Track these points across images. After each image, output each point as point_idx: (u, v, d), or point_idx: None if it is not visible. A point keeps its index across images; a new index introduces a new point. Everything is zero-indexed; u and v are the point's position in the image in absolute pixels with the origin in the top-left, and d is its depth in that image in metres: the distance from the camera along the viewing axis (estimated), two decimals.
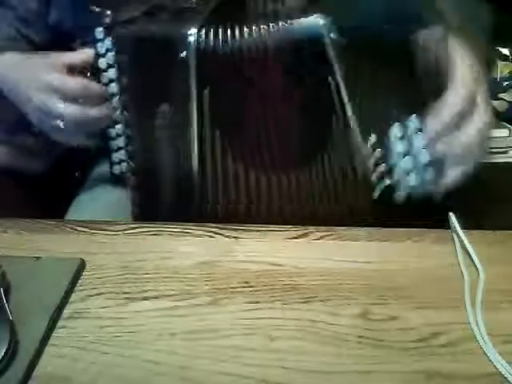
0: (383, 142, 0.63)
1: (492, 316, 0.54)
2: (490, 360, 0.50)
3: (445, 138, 0.61)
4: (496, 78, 1.35)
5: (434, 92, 0.62)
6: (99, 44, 0.71)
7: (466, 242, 0.61)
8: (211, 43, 0.63)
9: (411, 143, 0.62)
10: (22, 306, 0.55)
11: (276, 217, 0.69)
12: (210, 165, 0.67)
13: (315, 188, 0.68)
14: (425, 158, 0.62)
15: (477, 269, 0.59)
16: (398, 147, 0.63)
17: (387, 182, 0.64)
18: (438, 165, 0.62)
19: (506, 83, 1.35)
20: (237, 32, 0.62)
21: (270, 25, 0.62)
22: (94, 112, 0.71)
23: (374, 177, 0.65)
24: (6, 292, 0.56)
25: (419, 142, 0.62)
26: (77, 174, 0.90)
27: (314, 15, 0.62)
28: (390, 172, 0.64)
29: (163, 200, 0.70)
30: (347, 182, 0.67)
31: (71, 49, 0.75)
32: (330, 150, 0.66)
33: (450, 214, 0.64)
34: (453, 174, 0.62)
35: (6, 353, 0.49)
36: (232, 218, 0.68)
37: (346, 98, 0.63)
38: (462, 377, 0.49)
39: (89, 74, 0.72)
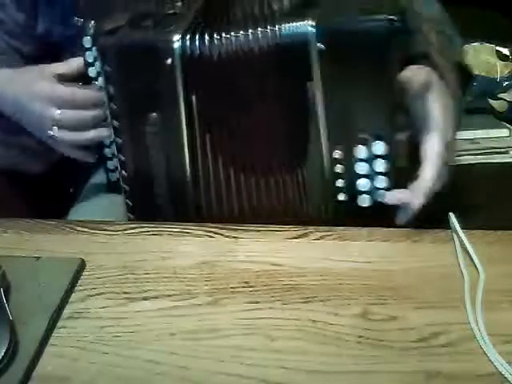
0: (347, 159, 0.65)
1: (492, 316, 0.54)
2: (490, 360, 0.50)
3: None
4: (496, 78, 1.35)
5: (404, 121, 0.63)
6: (87, 53, 0.71)
7: (466, 242, 0.61)
8: (196, 48, 0.63)
9: (372, 166, 0.64)
10: (22, 306, 0.55)
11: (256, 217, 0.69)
12: (202, 169, 0.67)
13: (289, 192, 0.68)
14: (381, 184, 0.64)
15: (477, 269, 0.59)
16: (359, 168, 0.64)
17: (341, 198, 0.66)
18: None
19: (506, 83, 1.35)
20: (222, 36, 0.63)
21: (258, 29, 0.62)
22: (87, 114, 0.71)
23: (332, 189, 0.66)
24: (6, 292, 0.56)
25: (379, 167, 0.63)
26: (71, 190, 0.90)
27: (303, 21, 0.61)
28: (346, 188, 0.66)
29: (157, 206, 0.70)
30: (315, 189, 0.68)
31: (60, 60, 0.75)
32: (302, 158, 0.66)
33: (450, 214, 0.64)
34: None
35: (5, 353, 0.49)
36: (225, 220, 0.68)
37: (319, 108, 0.63)
38: (462, 377, 0.49)
39: (80, 84, 0.73)
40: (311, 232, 0.65)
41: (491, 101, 1.34)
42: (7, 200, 0.86)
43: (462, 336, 0.52)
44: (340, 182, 0.66)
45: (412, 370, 0.49)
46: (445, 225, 0.64)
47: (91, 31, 0.69)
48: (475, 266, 0.59)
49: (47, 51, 0.80)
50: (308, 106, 0.63)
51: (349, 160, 0.64)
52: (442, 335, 0.52)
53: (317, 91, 0.62)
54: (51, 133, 0.72)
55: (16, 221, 0.69)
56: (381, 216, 0.65)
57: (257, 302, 0.56)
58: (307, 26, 0.61)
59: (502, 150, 1.23)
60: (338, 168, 0.65)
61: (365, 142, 0.63)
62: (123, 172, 0.70)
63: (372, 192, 0.65)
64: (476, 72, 1.33)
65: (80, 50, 0.72)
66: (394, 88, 0.61)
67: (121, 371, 0.50)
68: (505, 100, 1.34)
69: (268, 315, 0.55)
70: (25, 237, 0.67)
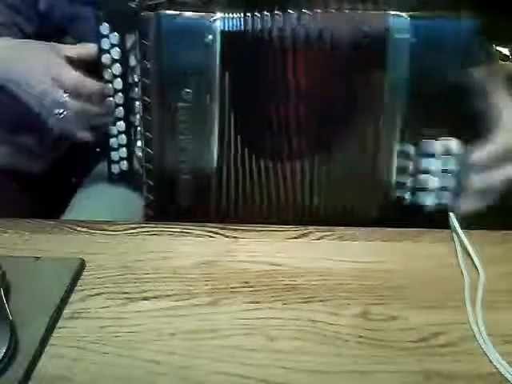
0: (416, 155, 0.64)
1: (492, 316, 0.54)
2: (490, 360, 0.50)
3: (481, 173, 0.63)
4: None
5: (478, 123, 0.63)
6: (104, 39, 0.70)
7: (466, 241, 0.61)
8: (237, 26, 0.63)
9: (442, 164, 0.64)
10: (22, 306, 0.55)
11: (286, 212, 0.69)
12: (227, 150, 0.67)
13: (330, 182, 0.67)
14: (450, 182, 0.64)
15: (477, 269, 0.59)
16: (431, 165, 0.64)
17: (402, 194, 0.66)
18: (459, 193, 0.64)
19: None
20: (264, 16, 0.62)
21: (329, 10, 0.62)
22: (92, 108, 0.71)
23: (395, 185, 0.66)
24: (6, 292, 0.55)
25: (451, 165, 0.63)
26: (73, 180, 0.90)
27: (386, 10, 0.61)
28: (410, 185, 0.65)
29: (178, 186, 0.70)
30: (361, 180, 0.67)
31: (63, 42, 0.74)
32: (355, 145, 0.66)
33: (450, 214, 0.64)
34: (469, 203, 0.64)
35: (5, 353, 0.49)
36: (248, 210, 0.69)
37: (397, 100, 0.63)
38: (462, 377, 0.49)
39: (90, 70, 0.72)
40: (311, 232, 0.65)
41: None
42: (7, 200, 0.86)
43: (462, 336, 0.52)
44: (403, 178, 0.65)
45: (412, 369, 0.49)
46: (445, 225, 0.64)
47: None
48: (475, 265, 0.59)
49: (49, 32, 0.79)
50: (381, 98, 0.63)
51: (418, 155, 0.64)
52: (441, 335, 0.52)
53: (395, 82, 0.63)
54: (56, 111, 0.71)
55: (16, 221, 0.69)
56: (434, 218, 0.65)
57: (257, 302, 0.56)
58: (396, 16, 0.61)
59: None
60: (406, 163, 0.65)
61: (438, 139, 0.63)
62: (149, 151, 0.70)
63: (436, 191, 0.65)
64: None
65: (83, 36, 0.71)
66: (473, 88, 0.61)
67: (121, 371, 0.50)
68: None
69: (268, 315, 0.55)
70: (25, 237, 0.67)
